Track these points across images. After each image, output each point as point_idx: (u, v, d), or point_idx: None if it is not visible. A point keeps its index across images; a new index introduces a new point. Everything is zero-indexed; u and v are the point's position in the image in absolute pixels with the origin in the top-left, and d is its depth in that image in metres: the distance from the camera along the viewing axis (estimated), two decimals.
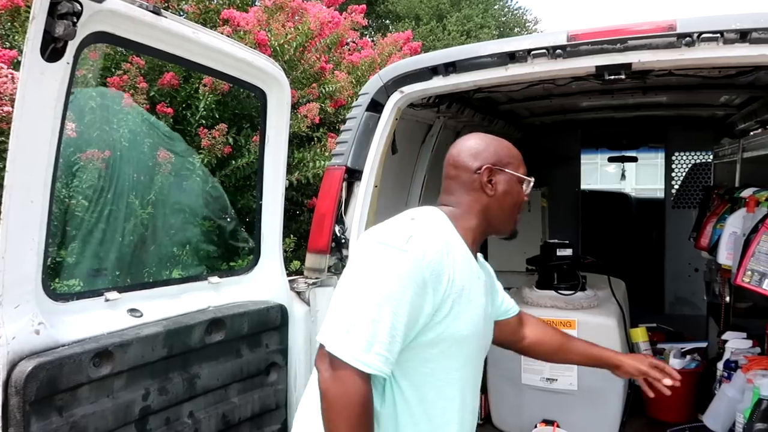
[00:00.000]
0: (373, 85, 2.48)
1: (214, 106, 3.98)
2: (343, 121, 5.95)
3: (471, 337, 1.40)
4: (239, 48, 2.04)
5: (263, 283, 2.28)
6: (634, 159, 6.10)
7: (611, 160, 6.18)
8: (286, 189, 2.34)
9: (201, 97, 3.90)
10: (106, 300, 1.75)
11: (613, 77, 2.14)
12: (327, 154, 5.36)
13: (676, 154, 5.22)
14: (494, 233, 1.54)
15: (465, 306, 1.36)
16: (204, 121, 3.96)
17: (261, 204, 2.28)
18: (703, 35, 1.97)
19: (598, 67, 2.17)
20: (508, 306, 1.72)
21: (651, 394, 1.74)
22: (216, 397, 2.01)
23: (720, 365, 2.86)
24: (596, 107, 4.15)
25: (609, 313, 2.90)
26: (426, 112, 3.18)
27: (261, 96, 2.17)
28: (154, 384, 1.77)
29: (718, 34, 1.96)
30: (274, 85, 2.16)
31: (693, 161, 5.12)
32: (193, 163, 3.53)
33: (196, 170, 3.54)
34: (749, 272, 2.11)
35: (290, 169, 5.12)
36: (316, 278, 2.44)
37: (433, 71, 2.37)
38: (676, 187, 5.17)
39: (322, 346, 1.30)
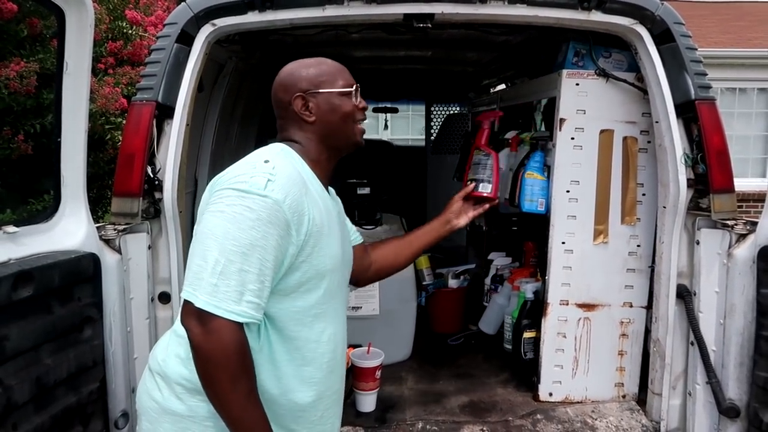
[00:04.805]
0: (181, 14, 2.30)
1: None
2: (96, 60, 5.35)
3: (334, 269, 1.44)
4: None
5: (68, 230, 2.03)
6: (396, 110, 6.67)
7: (376, 110, 6.67)
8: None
9: None
10: None
11: (421, 25, 2.35)
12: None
13: (434, 105, 5.87)
14: (340, 153, 1.53)
15: (325, 242, 1.39)
16: None
17: (60, 141, 2.00)
18: None
19: (406, 15, 2.36)
20: (353, 235, 1.76)
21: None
22: (27, 359, 1.77)
23: (488, 280, 3.43)
24: (368, 58, 4.41)
25: None
26: (220, 51, 3.06)
27: (58, 15, 1.88)
28: None
29: None
30: (74, 3, 1.88)
31: (448, 113, 5.82)
32: None
33: None
34: (469, 181, 2.31)
35: (42, 113, 4.47)
36: (127, 224, 2.24)
37: (249, 5, 2.29)
38: (434, 135, 5.84)
39: (187, 303, 1.24)
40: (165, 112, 2.27)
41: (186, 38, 2.30)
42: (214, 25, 2.33)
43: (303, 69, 1.49)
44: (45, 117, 4.45)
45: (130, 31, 5.57)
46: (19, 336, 1.73)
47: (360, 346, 2.86)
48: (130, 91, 5.03)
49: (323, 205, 1.43)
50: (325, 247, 1.38)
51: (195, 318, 1.23)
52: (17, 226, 1.87)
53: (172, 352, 1.40)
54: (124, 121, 4.53)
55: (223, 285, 1.22)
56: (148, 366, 1.47)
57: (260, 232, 1.24)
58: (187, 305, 1.24)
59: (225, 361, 1.22)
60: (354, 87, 1.52)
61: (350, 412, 2.69)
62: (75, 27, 1.92)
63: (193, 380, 1.33)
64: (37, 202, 4.28)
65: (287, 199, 1.28)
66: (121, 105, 5.02)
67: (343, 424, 2.57)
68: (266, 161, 1.34)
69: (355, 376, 2.68)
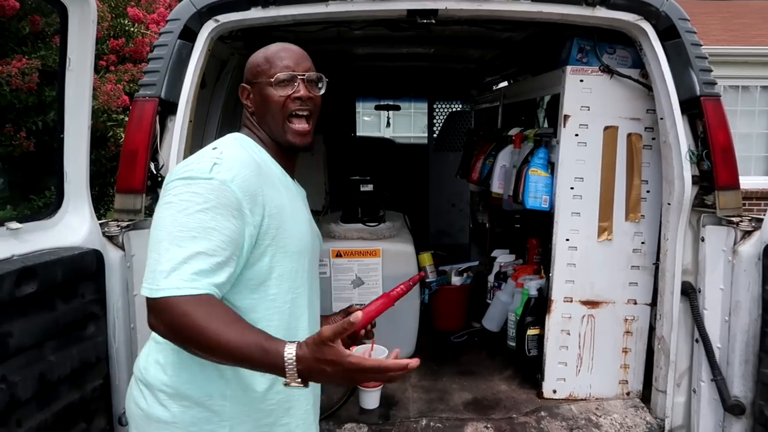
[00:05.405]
0: (184, 10, 2.29)
1: None
2: (98, 57, 5.35)
3: (303, 252, 1.42)
4: None
5: (71, 227, 2.03)
6: (398, 108, 6.66)
7: (378, 108, 6.66)
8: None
9: None
10: None
11: (424, 21, 2.34)
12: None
13: (437, 103, 5.87)
14: (280, 144, 1.45)
15: (290, 223, 1.37)
16: None
17: (62, 138, 1.99)
18: None
19: (410, 11, 2.35)
20: None
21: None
22: (31, 356, 1.77)
23: (491, 278, 3.42)
24: (371, 55, 4.39)
25: (406, 241, 3.24)
26: (222, 47, 3.05)
27: (61, 11, 1.87)
28: None
29: None
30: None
31: (450, 110, 5.81)
32: None
33: None
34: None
35: (44, 110, 4.46)
36: (130, 220, 2.24)
37: (252, 1, 2.29)
38: (437, 133, 5.84)
39: (148, 299, 1.19)
40: (168, 108, 2.26)
41: (189, 34, 2.29)
42: (217, 21, 2.32)
43: (252, 58, 1.45)
44: (47, 114, 4.45)
45: (132, 29, 5.56)
46: (22, 332, 1.72)
47: (363, 343, 2.85)
48: (132, 88, 5.03)
49: (285, 189, 1.41)
50: (290, 229, 1.37)
51: (154, 310, 1.19)
52: (20, 222, 1.86)
53: (152, 359, 1.39)
54: (126, 119, 4.53)
55: (177, 271, 1.18)
56: (133, 374, 1.45)
57: (209, 215, 1.22)
58: (148, 302, 1.20)
59: (187, 328, 1.16)
60: (288, 75, 1.39)
61: (354, 409, 2.69)
62: (78, 23, 1.91)
63: (173, 386, 1.33)
64: (38, 198, 4.28)
65: (236, 179, 1.26)
66: (123, 102, 5.02)
67: (347, 421, 2.60)
68: (214, 148, 1.34)
69: None
